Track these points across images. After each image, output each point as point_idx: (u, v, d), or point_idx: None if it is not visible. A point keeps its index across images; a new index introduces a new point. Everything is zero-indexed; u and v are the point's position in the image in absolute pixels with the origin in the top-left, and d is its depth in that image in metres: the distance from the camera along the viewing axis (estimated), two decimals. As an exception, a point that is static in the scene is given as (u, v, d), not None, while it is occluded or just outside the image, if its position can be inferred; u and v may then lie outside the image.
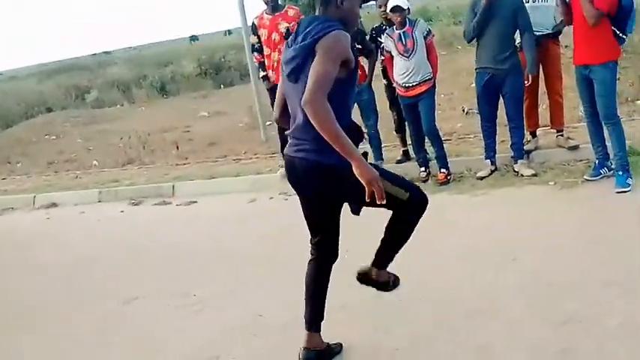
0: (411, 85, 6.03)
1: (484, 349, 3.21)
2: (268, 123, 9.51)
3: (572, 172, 5.79)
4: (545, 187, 5.58)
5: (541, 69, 6.12)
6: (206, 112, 13.70)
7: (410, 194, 3.01)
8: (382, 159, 6.61)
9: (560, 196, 5.33)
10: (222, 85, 18.65)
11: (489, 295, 3.77)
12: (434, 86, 6.12)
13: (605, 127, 5.27)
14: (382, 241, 3.20)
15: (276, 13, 6.66)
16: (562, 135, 6.26)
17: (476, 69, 6.02)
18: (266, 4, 6.70)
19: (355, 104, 6.01)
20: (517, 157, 6.00)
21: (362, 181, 2.69)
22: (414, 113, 6.17)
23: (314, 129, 2.70)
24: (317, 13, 2.97)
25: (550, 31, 6.01)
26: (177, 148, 9.61)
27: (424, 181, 6.22)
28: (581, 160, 6.01)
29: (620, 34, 5.10)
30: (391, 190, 2.88)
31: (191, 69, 19.55)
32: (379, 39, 6.36)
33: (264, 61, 6.78)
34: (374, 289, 3.37)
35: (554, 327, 3.28)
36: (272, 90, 6.71)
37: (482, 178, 6.03)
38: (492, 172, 6.07)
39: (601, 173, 5.47)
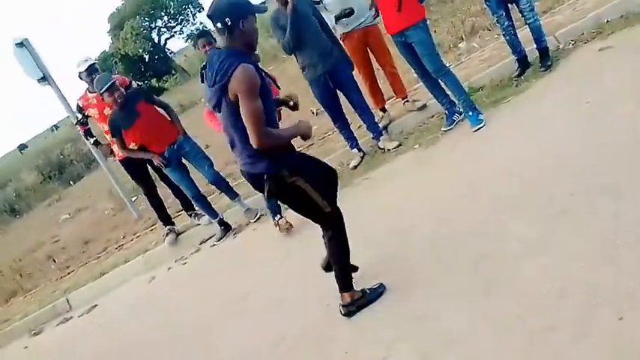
0: None
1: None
2: (134, 198, 9.27)
3: (430, 129, 6.13)
4: (412, 151, 5.84)
5: (369, 51, 6.40)
6: (67, 214, 13.10)
7: (331, 209, 3.62)
8: (238, 194, 6.42)
9: (428, 154, 5.60)
10: (71, 182, 17.91)
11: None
12: None
13: (439, 80, 5.61)
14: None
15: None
16: (408, 100, 6.58)
17: (306, 75, 6.11)
18: (90, 83, 6.42)
19: (184, 160, 6.20)
20: (377, 136, 6.24)
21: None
22: None
23: (244, 147, 3.41)
24: (223, 43, 3.35)
25: (370, 23, 6.26)
26: (55, 261, 9.08)
27: None
28: (433, 116, 6.38)
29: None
30: (317, 199, 3.54)
31: (33, 178, 18.56)
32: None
33: (89, 129, 6.78)
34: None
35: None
36: (125, 164, 6.64)
37: (355, 167, 6.21)
38: (362, 158, 6.26)
39: (454, 120, 5.83)
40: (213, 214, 6.43)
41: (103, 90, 5.83)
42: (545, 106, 5.17)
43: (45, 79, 8.37)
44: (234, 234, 6.40)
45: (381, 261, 4.19)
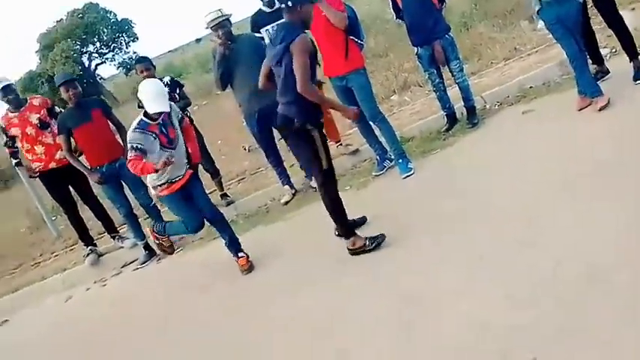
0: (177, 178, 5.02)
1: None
2: (53, 217, 9.02)
3: (361, 172, 6.38)
4: (344, 192, 5.94)
5: None
6: (-23, 229, 12.48)
7: (328, 168, 4.52)
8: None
9: (359, 196, 5.81)
10: (-16, 198, 17.07)
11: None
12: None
13: (374, 126, 5.88)
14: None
15: (22, 109, 6.38)
16: (341, 144, 6.82)
17: (242, 110, 6.30)
18: (7, 102, 6.39)
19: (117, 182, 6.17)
20: (309, 175, 6.35)
21: (347, 114, 4.77)
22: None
23: (287, 93, 4.39)
24: (286, 19, 4.41)
25: None
26: (-39, 272, 8.63)
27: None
28: (364, 160, 6.65)
29: (359, 41, 5.74)
30: (322, 154, 4.46)
31: (-58, 191, 17.58)
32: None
33: (16, 150, 6.59)
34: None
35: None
36: (44, 178, 6.56)
37: (287, 203, 6.35)
38: (294, 194, 6.42)
39: (384, 166, 6.10)
40: (140, 235, 6.39)
41: (62, 82, 5.95)
42: (471, 160, 5.51)
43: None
44: (158, 259, 6.36)
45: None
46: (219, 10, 5.87)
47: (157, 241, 5.44)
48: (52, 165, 6.40)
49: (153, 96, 4.70)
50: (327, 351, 3.57)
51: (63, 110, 6.33)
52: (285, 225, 5.88)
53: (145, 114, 4.73)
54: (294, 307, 4.25)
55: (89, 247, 6.73)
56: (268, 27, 6.08)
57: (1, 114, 6.61)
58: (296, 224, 5.81)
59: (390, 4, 6.18)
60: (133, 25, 38.87)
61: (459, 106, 6.48)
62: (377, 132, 6.03)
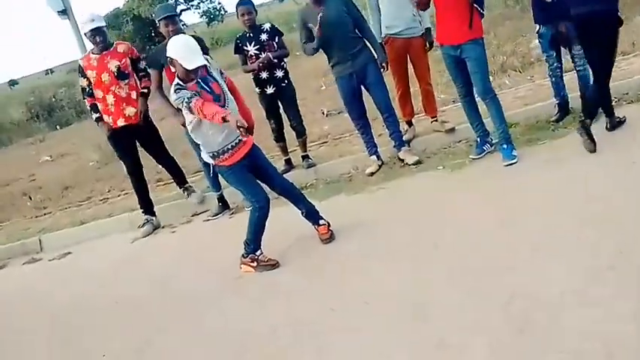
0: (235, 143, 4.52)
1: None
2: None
3: (456, 153, 5.91)
4: (436, 172, 5.62)
5: (409, 61, 6.18)
6: (48, 157, 12.67)
7: None
8: None
9: (454, 178, 5.37)
10: (58, 127, 17.42)
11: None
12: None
13: (484, 103, 5.40)
14: None
15: (105, 52, 5.95)
16: (436, 120, 6.37)
17: (334, 71, 5.90)
18: (94, 43, 5.95)
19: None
20: (399, 145, 5.98)
21: None
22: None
23: None
24: None
25: (414, 35, 6.04)
26: (30, 198, 8.67)
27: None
28: (459, 141, 6.16)
29: (481, 10, 5.24)
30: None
31: (20, 114, 18.02)
32: (245, 47, 6.07)
33: (96, 104, 6.03)
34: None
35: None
36: (112, 137, 6.11)
37: (372, 174, 5.97)
38: (380, 166, 6.03)
39: (484, 150, 5.62)
40: (217, 185, 6.15)
41: (163, 17, 5.67)
42: (587, 157, 4.96)
43: (65, 12, 8.04)
44: (231, 213, 6.12)
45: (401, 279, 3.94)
46: None
47: (256, 264, 4.61)
48: (121, 122, 5.98)
49: (187, 51, 4.23)
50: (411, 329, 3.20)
51: (152, 49, 6.08)
52: (369, 197, 5.50)
53: (179, 79, 4.26)
54: (372, 281, 3.96)
55: (146, 217, 6.33)
56: None
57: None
58: (380, 197, 5.42)
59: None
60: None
61: (573, 96, 5.90)
62: (481, 110, 5.55)
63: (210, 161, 4.57)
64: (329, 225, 4.78)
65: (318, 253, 4.62)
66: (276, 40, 6.08)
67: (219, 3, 39.45)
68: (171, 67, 4.47)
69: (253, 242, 4.58)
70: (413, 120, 6.49)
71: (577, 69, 5.70)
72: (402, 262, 4.11)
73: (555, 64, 5.76)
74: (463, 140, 6.13)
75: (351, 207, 5.32)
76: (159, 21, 5.74)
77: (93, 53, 5.99)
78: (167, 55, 4.32)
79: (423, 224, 4.59)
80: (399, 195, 5.35)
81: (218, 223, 6.00)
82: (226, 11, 40.08)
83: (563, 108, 5.89)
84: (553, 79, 5.84)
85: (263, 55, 5.95)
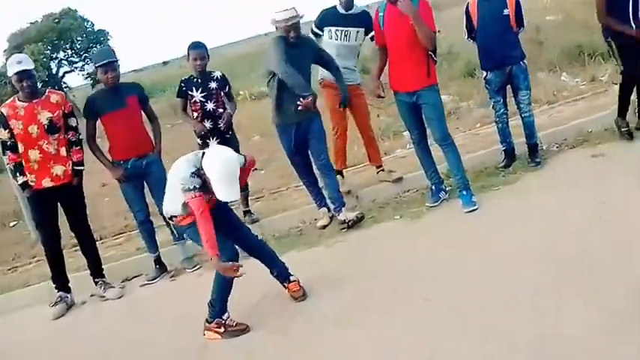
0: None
1: None
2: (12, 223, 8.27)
3: (409, 202, 5.74)
4: (394, 222, 5.40)
5: (348, 111, 6.01)
6: None
7: None
8: (184, 238, 5.27)
9: (415, 227, 5.17)
10: None
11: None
12: None
13: (441, 149, 5.29)
14: None
15: (35, 100, 5.11)
16: (382, 170, 6.18)
17: (275, 117, 5.54)
18: (20, 89, 5.08)
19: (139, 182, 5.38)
20: (339, 207, 5.51)
21: None
22: None
23: None
24: None
25: (355, 84, 5.97)
26: None
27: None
28: (408, 191, 6.01)
29: (434, 58, 5.18)
30: None
31: None
32: (190, 92, 5.64)
33: (20, 162, 5.12)
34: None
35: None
36: (34, 199, 5.24)
37: (324, 227, 5.65)
38: (331, 218, 5.70)
39: (440, 197, 5.50)
40: (154, 246, 5.58)
41: (104, 63, 5.17)
42: (542, 201, 4.93)
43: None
44: (171, 276, 5.54)
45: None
46: (294, 8, 5.18)
47: (223, 330, 4.09)
48: (47, 182, 5.11)
49: (227, 181, 3.81)
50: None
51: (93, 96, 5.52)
52: (328, 251, 5.16)
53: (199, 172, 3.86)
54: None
55: (59, 293, 5.40)
56: (332, 28, 5.73)
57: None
58: (341, 251, 5.10)
59: (464, 21, 5.65)
60: (109, 37, 37.80)
61: (517, 143, 5.93)
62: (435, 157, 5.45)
63: (175, 212, 4.06)
64: (299, 281, 4.38)
65: (291, 313, 4.20)
66: (226, 89, 5.73)
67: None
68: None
69: (219, 303, 4.06)
70: (347, 171, 6.30)
71: (522, 115, 5.76)
72: (385, 315, 3.82)
73: (502, 110, 5.78)
74: (412, 189, 5.98)
75: (312, 261, 4.94)
76: (97, 67, 5.23)
77: (19, 100, 5.10)
78: (203, 166, 3.82)
79: (393, 276, 4.34)
80: (361, 247, 5.05)
81: (158, 289, 5.39)
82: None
83: (510, 154, 5.90)
84: (499, 125, 5.85)
85: (209, 105, 5.57)
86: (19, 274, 6.53)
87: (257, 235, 4.47)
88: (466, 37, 5.77)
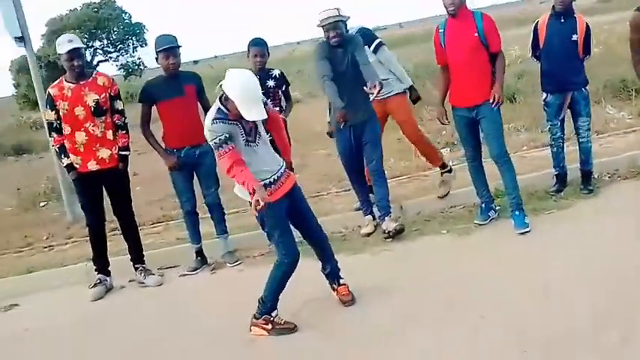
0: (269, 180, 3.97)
1: None
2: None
3: (456, 218, 5.67)
4: (441, 236, 5.33)
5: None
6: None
7: None
8: (227, 232, 5.64)
9: (463, 243, 5.12)
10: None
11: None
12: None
13: (497, 166, 5.22)
14: None
15: (82, 82, 5.09)
16: (449, 171, 6.12)
17: (331, 120, 5.52)
18: (70, 69, 5.05)
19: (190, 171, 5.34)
20: (384, 215, 5.45)
21: None
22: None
23: None
24: None
25: (393, 94, 5.86)
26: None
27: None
28: (454, 207, 5.93)
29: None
30: None
31: None
32: None
33: (64, 144, 5.13)
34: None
35: None
36: (79, 182, 5.21)
37: (368, 235, 5.59)
38: (376, 227, 5.64)
39: (489, 216, 5.42)
40: (197, 238, 5.56)
41: (164, 48, 5.15)
42: (599, 228, 4.83)
43: (22, 39, 7.36)
44: (212, 269, 5.50)
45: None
46: (337, 9, 5.15)
47: (271, 327, 4.02)
48: (92, 165, 5.10)
49: (250, 98, 3.70)
50: None
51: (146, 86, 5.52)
52: (374, 259, 5.09)
53: (222, 101, 3.81)
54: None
55: (99, 276, 5.38)
56: None
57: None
58: (388, 259, 5.04)
59: (531, 38, 5.59)
60: (145, 30, 38.18)
61: (571, 168, 5.85)
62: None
63: (246, 196, 3.93)
64: (347, 286, 4.32)
65: (339, 316, 4.15)
66: (283, 88, 5.70)
67: (139, 58, 38.66)
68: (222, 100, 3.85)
69: (271, 301, 4.02)
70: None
71: (580, 140, 5.67)
72: (437, 329, 3.76)
73: (558, 134, 5.69)
74: (458, 206, 5.91)
75: (358, 268, 4.85)
76: (158, 52, 5.21)
77: (67, 81, 5.08)
78: (224, 90, 3.75)
79: (444, 289, 4.27)
80: (409, 258, 4.99)
81: (199, 280, 5.35)
82: (146, 66, 39.29)
83: (562, 179, 5.81)
84: (554, 148, 5.76)
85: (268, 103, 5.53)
86: (55, 253, 6.52)
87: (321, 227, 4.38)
88: (530, 54, 5.70)
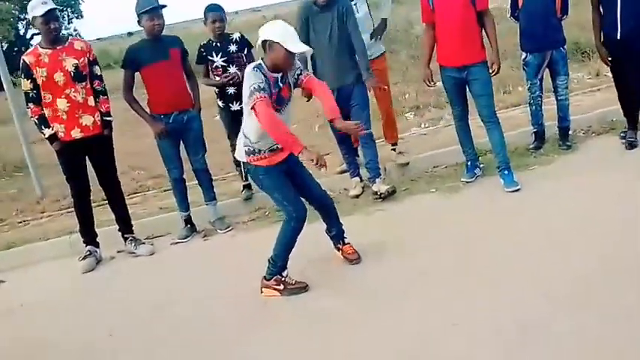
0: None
1: None
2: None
3: (442, 177, 5.78)
4: (430, 194, 5.43)
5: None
6: None
7: None
8: (215, 198, 5.61)
9: (455, 200, 5.24)
10: None
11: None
12: None
13: (486, 126, 5.33)
14: None
15: (58, 46, 4.87)
16: (394, 150, 6.16)
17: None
18: (46, 32, 4.82)
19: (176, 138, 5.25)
20: (374, 177, 5.52)
21: None
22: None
23: None
24: None
25: (374, 57, 5.78)
26: None
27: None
28: (437, 167, 6.03)
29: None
30: None
31: None
32: (210, 57, 5.53)
33: (43, 114, 4.89)
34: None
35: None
36: (63, 152, 4.98)
37: (357, 196, 5.64)
38: (363, 188, 5.70)
39: (475, 174, 5.55)
40: (185, 206, 5.48)
41: (147, 9, 4.96)
42: (577, 183, 5.02)
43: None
44: (204, 236, 5.45)
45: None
46: None
47: (282, 287, 4.04)
48: (76, 133, 4.91)
49: (291, 34, 3.78)
50: None
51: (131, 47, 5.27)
52: (369, 219, 5.15)
53: (264, 64, 3.82)
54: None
55: (88, 248, 5.24)
56: None
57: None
58: (384, 219, 5.11)
59: (510, -1, 5.68)
60: (81, 1, 36.78)
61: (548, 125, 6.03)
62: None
63: (243, 158, 3.99)
64: (352, 245, 4.37)
65: (348, 275, 4.20)
66: (246, 52, 5.59)
67: (76, 29, 37.21)
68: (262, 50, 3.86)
69: (282, 259, 4.02)
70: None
71: (559, 98, 5.83)
72: (446, 278, 3.89)
73: (537, 93, 5.83)
74: (441, 165, 6.02)
75: (354, 229, 4.81)
76: (141, 14, 5.02)
77: (42, 47, 4.85)
78: (264, 38, 3.76)
79: (450, 247, 4.34)
80: (404, 216, 5.07)
81: (193, 248, 5.30)
82: (83, 38, 37.88)
83: (541, 136, 5.98)
84: (533, 107, 5.90)
85: (231, 69, 5.45)
86: (32, 227, 6.30)
87: (326, 193, 4.41)
88: (509, 15, 5.78)
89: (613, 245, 3.87)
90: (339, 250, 4.36)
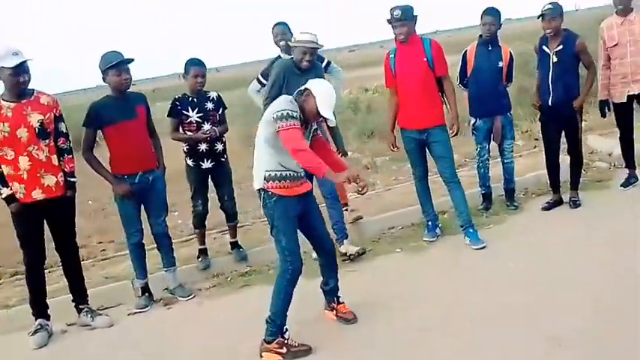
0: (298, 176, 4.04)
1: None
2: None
3: (402, 237, 5.86)
4: (397, 254, 5.48)
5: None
6: None
7: None
8: (175, 264, 5.31)
9: (422, 259, 5.30)
10: None
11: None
12: None
13: (448, 186, 5.49)
14: None
15: (23, 100, 4.51)
16: (346, 209, 6.16)
17: None
18: (14, 85, 4.42)
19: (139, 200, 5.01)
20: (341, 238, 5.51)
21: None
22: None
23: None
24: None
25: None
26: None
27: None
28: (393, 227, 6.11)
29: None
30: None
31: None
32: (185, 112, 5.37)
33: (1, 171, 4.49)
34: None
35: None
36: (20, 215, 4.54)
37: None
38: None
39: (437, 233, 5.67)
40: (143, 273, 5.12)
41: (116, 63, 4.69)
42: (530, 240, 5.33)
43: None
44: (165, 304, 5.11)
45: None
46: (316, 36, 5.12)
47: (285, 351, 3.82)
48: (37, 194, 4.52)
49: (332, 102, 3.83)
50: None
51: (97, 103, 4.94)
52: (345, 280, 4.98)
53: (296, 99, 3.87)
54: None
55: (39, 321, 4.75)
56: None
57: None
58: (356, 280, 5.01)
59: (460, 66, 6.00)
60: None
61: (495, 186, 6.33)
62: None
63: (261, 184, 3.85)
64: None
65: (351, 336, 4.09)
66: (220, 111, 5.52)
67: None
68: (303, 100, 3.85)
69: (281, 317, 3.83)
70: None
71: (505, 161, 6.16)
72: (449, 336, 3.85)
73: (486, 156, 6.14)
74: (397, 226, 6.10)
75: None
76: (107, 69, 4.74)
77: (4, 100, 4.46)
78: (311, 88, 3.80)
79: (429, 300, 4.42)
80: (379, 276, 5.07)
81: (156, 318, 4.91)
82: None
83: (489, 197, 6.25)
84: (482, 170, 6.18)
85: (205, 126, 5.34)
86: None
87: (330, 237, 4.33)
88: (458, 82, 6.09)
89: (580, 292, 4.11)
90: (332, 310, 4.25)
